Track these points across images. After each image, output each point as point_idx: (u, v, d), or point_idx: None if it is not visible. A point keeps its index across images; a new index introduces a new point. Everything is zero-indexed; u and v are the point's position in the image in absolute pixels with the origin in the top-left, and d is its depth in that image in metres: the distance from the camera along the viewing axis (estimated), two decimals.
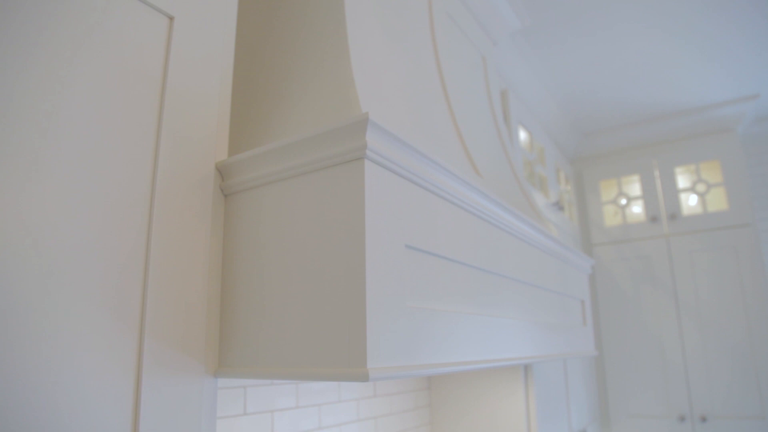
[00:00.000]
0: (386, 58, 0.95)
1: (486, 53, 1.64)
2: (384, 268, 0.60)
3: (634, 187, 2.77)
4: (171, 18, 0.71)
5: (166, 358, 0.62)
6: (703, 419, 2.32)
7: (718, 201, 2.54)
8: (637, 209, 2.74)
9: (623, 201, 2.72)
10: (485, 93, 1.54)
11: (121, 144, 0.62)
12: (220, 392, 1.01)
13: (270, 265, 0.67)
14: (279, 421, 1.13)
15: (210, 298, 0.70)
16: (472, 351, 0.80)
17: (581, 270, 1.61)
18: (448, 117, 1.15)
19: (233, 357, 0.68)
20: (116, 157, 0.61)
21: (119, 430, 0.56)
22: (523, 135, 2.12)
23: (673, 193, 2.57)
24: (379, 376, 0.54)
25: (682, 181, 2.66)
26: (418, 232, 0.69)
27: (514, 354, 0.97)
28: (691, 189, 2.56)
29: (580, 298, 1.54)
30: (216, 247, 0.73)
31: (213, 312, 0.70)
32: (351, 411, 1.36)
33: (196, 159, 0.71)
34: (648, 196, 2.63)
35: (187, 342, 0.65)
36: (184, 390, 0.63)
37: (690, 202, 2.61)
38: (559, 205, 2.28)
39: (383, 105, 0.82)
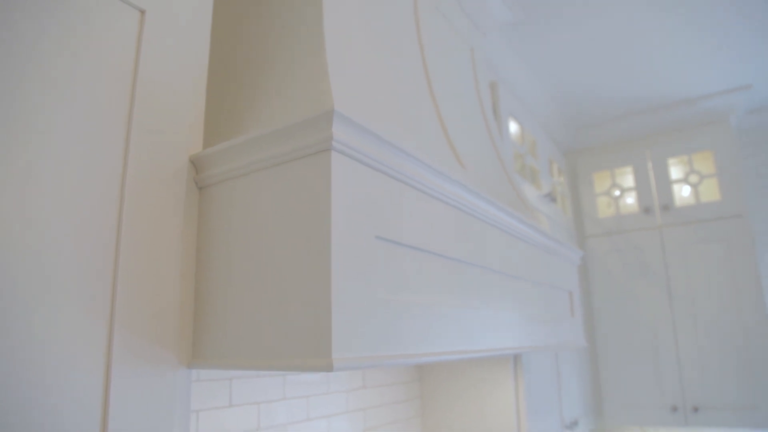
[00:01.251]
0: (366, 50, 0.95)
1: (474, 44, 1.63)
2: (351, 259, 0.60)
3: (628, 179, 2.77)
4: (142, 11, 0.71)
5: (138, 350, 0.62)
6: (696, 409, 2.34)
7: (711, 192, 2.54)
8: (630, 200, 2.74)
9: (617, 192, 2.72)
10: (473, 84, 1.54)
11: (91, 136, 0.62)
12: (206, 384, 1.02)
13: (241, 256, 0.67)
14: (265, 412, 1.14)
15: (184, 290, 0.70)
16: (450, 342, 0.80)
17: (570, 261, 1.61)
18: (432, 108, 1.15)
19: (207, 348, 0.68)
20: (86, 149, 0.61)
21: (89, 421, 0.56)
22: (514, 127, 2.12)
23: (666, 184, 2.57)
24: (344, 366, 0.55)
25: (675, 172, 2.66)
26: (389, 223, 0.69)
27: (496, 345, 0.97)
28: (684, 180, 2.55)
29: (568, 290, 1.54)
30: (190, 238, 0.73)
31: (187, 304, 0.71)
32: (340, 402, 1.37)
33: (169, 151, 0.71)
34: (641, 188, 2.63)
35: (159, 333, 0.65)
36: (155, 381, 0.63)
37: (683, 193, 2.61)
38: (551, 197, 2.28)
39: (359, 97, 0.82)
